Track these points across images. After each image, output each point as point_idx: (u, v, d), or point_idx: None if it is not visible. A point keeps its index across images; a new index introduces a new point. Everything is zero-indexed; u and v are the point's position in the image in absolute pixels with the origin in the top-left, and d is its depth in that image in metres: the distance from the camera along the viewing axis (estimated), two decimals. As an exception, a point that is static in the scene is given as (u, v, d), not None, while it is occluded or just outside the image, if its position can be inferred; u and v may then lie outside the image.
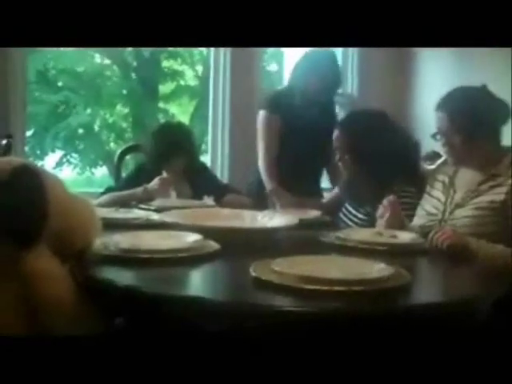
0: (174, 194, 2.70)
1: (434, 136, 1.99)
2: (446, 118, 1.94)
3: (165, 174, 2.58)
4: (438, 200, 2.02)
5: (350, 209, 2.45)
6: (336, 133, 2.37)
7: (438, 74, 3.75)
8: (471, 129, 1.90)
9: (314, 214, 2.33)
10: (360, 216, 2.38)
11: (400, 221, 1.98)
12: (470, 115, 1.90)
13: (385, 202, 1.98)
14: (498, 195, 1.84)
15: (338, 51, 4.03)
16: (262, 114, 2.91)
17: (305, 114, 2.79)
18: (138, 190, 2.57)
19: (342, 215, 2.48)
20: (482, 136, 1.91)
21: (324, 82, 2.85)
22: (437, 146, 2.09)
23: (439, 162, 2.18)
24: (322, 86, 2.84)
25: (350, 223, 2.39)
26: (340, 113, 3.93)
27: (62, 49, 6.90)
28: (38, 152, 6.93)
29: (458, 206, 1.94)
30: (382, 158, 2.25)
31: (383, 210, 1.98)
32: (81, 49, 6.68)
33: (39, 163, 6.46)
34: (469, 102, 1.93)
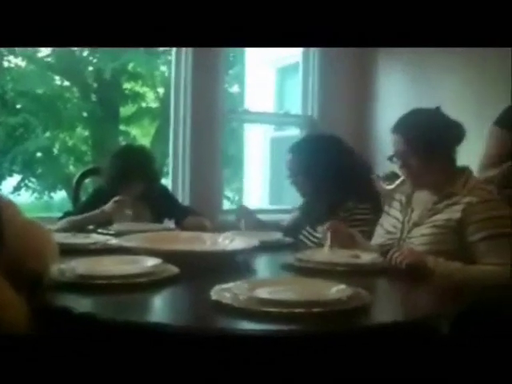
0: (130, 214, 2.66)
1: (390, 158, 2.02)
2: (402, 141, 1.97)
3: (120, 196, 2.55)
4: (396, 219, 2.05)
5: (310, 229, 2.49)
6: (289, 156, 2.53)
7: (397, 95, 3.83)
8: (427, 151, 1.93)
9: (274, 235, 2.34)
10: (318, 235, 2.41)
11: (347, 240, 2.00)
12: (425, 138, 1.93)
13: (325, 227, 2.01)
14: (454, 213, 1.87)
15: (299, 73, 4.09)
16: None
17: None
18: (95, 212, 2.54)
19: (302, 237, 2.53)
20: (438, 157, 1.95)
21: None
22: (395, 167, 2.12)
23: (397, 182, 2.22)
24: None
25: (310, 244, 2.43)
26: (300, 135, 4.00)
27: (21, 70, 6.82)
28: (-5, 176, 6.80)
29: (416, 224, 1.96)
30: (333, 179, 2.42)
31: (325, 236, 2.01)
32: (37, 68, 6.60)
33: (-4, 188, 6.33)
34: (423, 125, 1.97)
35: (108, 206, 2.53)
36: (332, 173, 2.41)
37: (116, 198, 2.54)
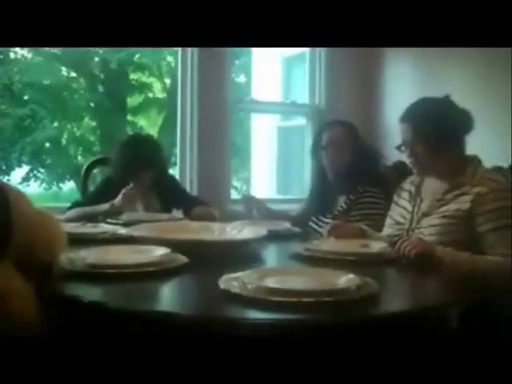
0: (140, 206, 2.68)
1: (398, 148, 2.01)
2: (410, 130, 1.96)
3: (130, 185, 2.53)
4: (405, 209, 2.04)
5: (319, 216, 2.55)
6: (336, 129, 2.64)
7: (405, 85, 3.81)
8: (435, 140, 1.92)
9: (283, 225, 2.34)
10: (328, 221, 2.44)
11: (357, 236, 2.01)
12: (434, 126, 1.92)
13: (327, 231, 2.02)
14: (463, 204, 1.87)
15: (305, 63, 4.07)
16: None
17: None
18: (105, 205, 2.53)
19: (312, 224, 2.54)
20: (446, 146, 1.94)
21: None
22: (403, 156, 2.12)
23: (405, 171, 2.21)
24: None
25: (319, 229, 2.46)
26: (307, 124, 4.00)
27: (28, 62, 6.84)
28: (4, 167, 6.83)
29: (425, 214, 1.96)
30: (345, 165, 2.54)
31: (328, 236, 2.01)
32: (43, 60, 6.59)
33: (5, 178, 6.37)
34: (432, 114, 1.95)
35: (117, 200, 2.52)
36: (343, 161, 2.55)
37: (124, 191, 2.52)
